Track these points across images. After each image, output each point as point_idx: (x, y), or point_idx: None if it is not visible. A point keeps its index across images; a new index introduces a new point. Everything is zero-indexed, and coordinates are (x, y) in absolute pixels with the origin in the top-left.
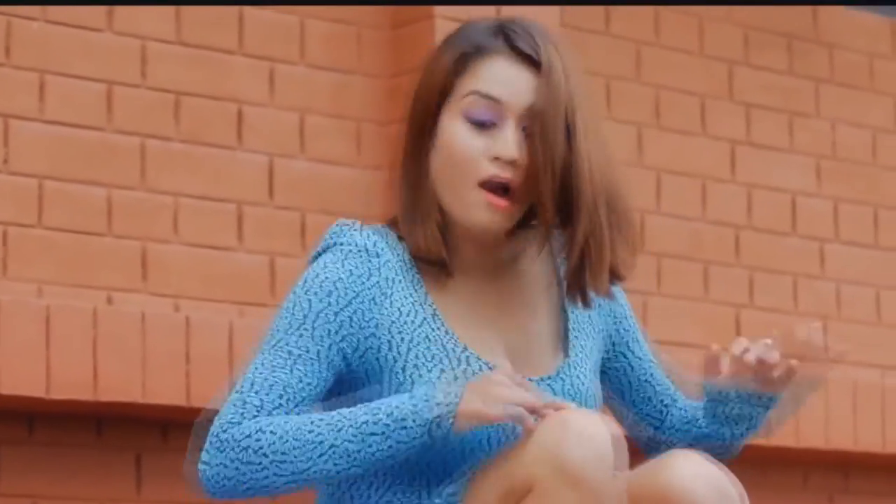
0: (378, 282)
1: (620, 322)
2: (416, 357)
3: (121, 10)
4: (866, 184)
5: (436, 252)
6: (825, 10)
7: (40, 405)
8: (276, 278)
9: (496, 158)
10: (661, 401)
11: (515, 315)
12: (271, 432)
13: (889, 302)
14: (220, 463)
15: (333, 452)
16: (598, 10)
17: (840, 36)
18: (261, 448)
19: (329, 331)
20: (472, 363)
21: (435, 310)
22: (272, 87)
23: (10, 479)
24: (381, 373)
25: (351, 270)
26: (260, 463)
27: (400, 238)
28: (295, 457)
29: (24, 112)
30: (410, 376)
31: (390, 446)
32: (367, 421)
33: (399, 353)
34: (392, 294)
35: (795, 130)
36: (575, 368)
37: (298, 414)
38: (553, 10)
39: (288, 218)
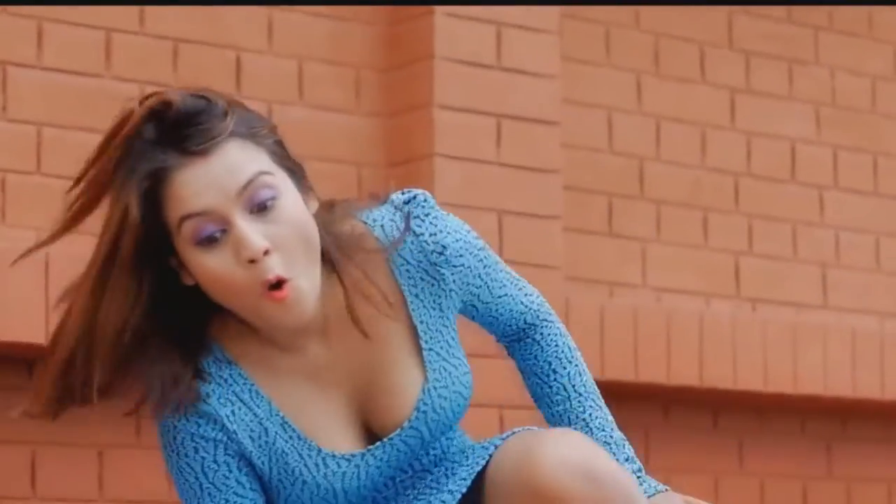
0: (225, 440)
1: (472, 283)
2: (280, 473)
3: None
4: (865, 131)
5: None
6: None
7: (39, 352)
8: None
9: (251, 261)
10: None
11: (362, 359)
12: None
13: (888, 249)
14: None
15: None
16: None
17: None
18: None
19: (224, 474)
20: (329, 464)
21: (283, 418)
22: (270, 35)
23: (9, 425)
24: (263, 479)
25: (197, 422)
26: None
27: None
28: None
29: (22, 59)
30: (277, 488)
31: None
32: None
33: (264, 472)
34: (238, 435)
35: (795, 78)
36: (434, 389)
37: None
38: None
39: None
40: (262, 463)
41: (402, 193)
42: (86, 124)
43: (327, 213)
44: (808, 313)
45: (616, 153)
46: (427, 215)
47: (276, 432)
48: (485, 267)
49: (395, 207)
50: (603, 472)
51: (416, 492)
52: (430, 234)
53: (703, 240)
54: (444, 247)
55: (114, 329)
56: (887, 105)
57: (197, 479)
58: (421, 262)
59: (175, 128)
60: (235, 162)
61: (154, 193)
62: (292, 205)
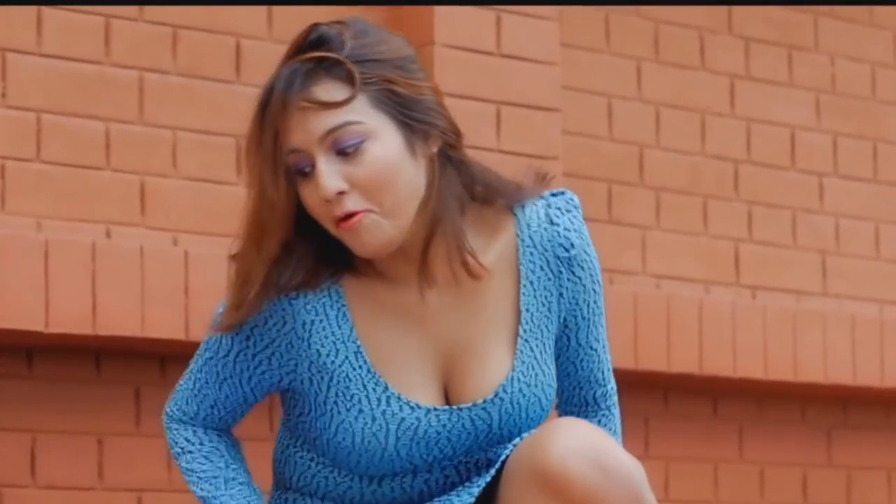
0: (293, 328)
1: (579, 307)
2: (336, 395)
3: None
4: (865, 118)
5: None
6: None
7: (39, 339)
8: None
9: (326, 202)
10: (572, 387)
11: (459, 319)
12: (187, 460)
13: (888, 236)
14: (165, 431)
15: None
16: None
17: None
18: (178, 461)
19: (248, 367)
20: (391, 403)
21: (358, 347)
22: (270, 21)
23: (9, 413)
24: (305, 399)
25: (266, 318)
26: (177, 461)
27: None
28: (192, 487)
29: (21, 45)
30: (331, 411)
31: None
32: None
33: (320, 389)
34: (310, 337)
35: (794, 64)
36: (518, 381)
37: (229, 420)
38: None
39: None
40: (320, 379)
41: (555, 190)
42: (85, 111)
43: (454, 168)
44: (808, 300)
45: (616, 140)
46: (569, 212)
47: (347, 357)
48: (595, 303)
49: (542, 197)
50: (612, 460)
51: (445, 483)
52: (565, 229)
53: (702, 227)
54: (572, 245)
55: (273, 234)
56: (887, 92)
57: (227, 352)
58: (546, 251)
59: (291, 74)
60: (329, 109)
61: (276, 130)
62: (383, 149)
